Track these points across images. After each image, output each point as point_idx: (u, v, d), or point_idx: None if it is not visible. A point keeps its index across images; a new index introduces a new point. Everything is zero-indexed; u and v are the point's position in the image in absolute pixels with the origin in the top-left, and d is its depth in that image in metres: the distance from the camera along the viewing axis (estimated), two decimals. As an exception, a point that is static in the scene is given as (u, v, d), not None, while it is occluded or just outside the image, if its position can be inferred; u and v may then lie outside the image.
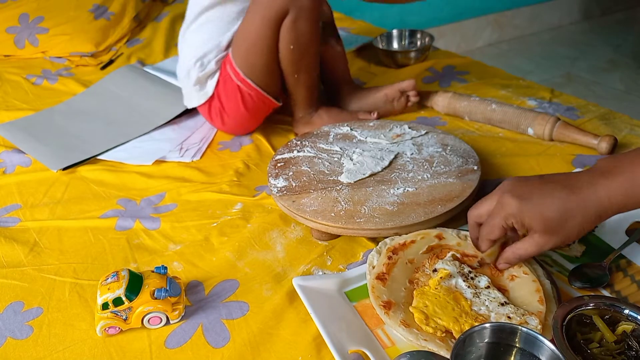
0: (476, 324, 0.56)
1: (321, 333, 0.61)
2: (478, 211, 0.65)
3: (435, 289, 0.63)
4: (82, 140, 1.11)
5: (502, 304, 0.61)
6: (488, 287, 0.63)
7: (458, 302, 0.61)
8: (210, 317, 0.68)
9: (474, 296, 0.62)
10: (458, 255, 0.69)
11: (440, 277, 0.64)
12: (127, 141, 1.11)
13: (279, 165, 0.90)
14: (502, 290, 0.64)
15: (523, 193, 0.59)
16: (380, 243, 0.71)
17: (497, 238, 0.64)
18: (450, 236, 0.72)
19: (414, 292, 0.64)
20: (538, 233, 0.59)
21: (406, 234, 0.73)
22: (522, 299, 0.62)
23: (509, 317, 0.59)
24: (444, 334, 0.58)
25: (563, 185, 0.58)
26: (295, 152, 0.93)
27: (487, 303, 0.61)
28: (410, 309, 0.61)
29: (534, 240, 0.60)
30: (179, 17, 1.78)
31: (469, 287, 0.63)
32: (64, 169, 1.02)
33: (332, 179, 0.85)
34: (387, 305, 0.61)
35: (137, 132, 1.13)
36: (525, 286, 0.63)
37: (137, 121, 1.17)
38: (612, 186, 0.56)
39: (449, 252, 0.69)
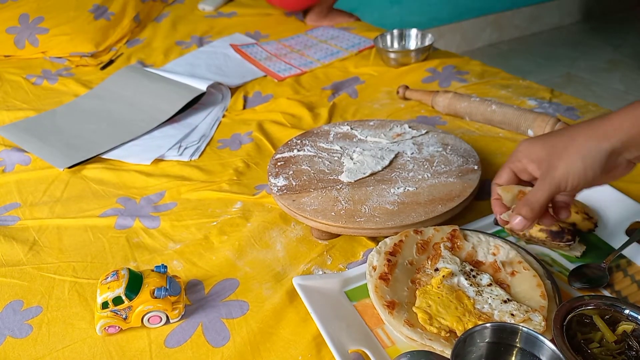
0: (480, 322, 0.56)
1: (321, 332, 0.61)
2: (497, 174, 0.64)
3: (438, 288, 0.63)
4: (85, 139, 1.11)
5: (505, 301, 0.61)
6: (490, 285, 0.63)
7: (461, 300, 0.61)
8: (210, 316, 0.68)
9: (476, 294, 0.62)
10: (449, 245, 0.70)
11: (443, 276, 0.64)
12: (133, 139, 1.11)
13: (279, 164, 0.90)
14: (503, 286, 0.64)
15: (532, 138, 0.60)
16: (380, 243, 0.71)
17: (502, 183, 0.62)
18: (427, 229, 0.72)
19: (417, 291, 0.64)
20: (542, 163, 0.57)
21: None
22: (524, 294, 0.62)
23: (512, 315, 0.59)
24: (448, 334, 0.58)
25: (573, 125, 0.57)
26: (295, 151, 0.93)
27: (489, 301, 0.61)
28: (414, 309, 0.61)
29: (541, 178, 0.57)
30: (179, 17, 1.78)
31: (471, 285, 0.63)
32: (70, 167, 1.02)
33: (332, 178, 0.85)
34: (391, 305, 0.61)
35: (141, 130, 1.13)
36: (526, 281, 0.63)
37: (140, 119, 1.17)
38: (617, 116, 0.54)
39: (440, 245, 0.69)
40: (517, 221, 0.59)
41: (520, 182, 0.63)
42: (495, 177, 0.64)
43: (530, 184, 0.62)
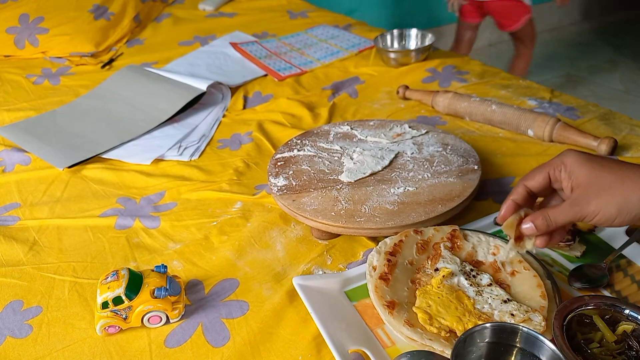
0: (480, 322, 0.56)
1: (321, 332, 0.61)
2: (530, 171, 0.61)
3: (438, 287, 0.63)
4: (86, 139, 1.11)
5: (505, 301, 0.61)
6: (490, 285, 0.63)
7: (461, 300, 0.61)
8: (210, 316, 0.68)
9: (476, 294, 0.62)
10: (449, 245, 0.69)
11: (443, 276, 0.64)
12: (133, 139, 1.11)
13: (279, 164, 0.90)
14: (503, 286, 0.64)
15: (587, 154, 0.56)
16: (380, 243, 0.71)
17: (535, 185, 0.59)
18: (427, 229, 0.72)
19: (417, 291, 0.64)
20: (578, 188, 0.54)
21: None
22: (524, 294, 0.62)
23: (512, 315, 0.59)
24: (448, 334, 0.58)
25: (627, 163, 0.55)
26: (295, 151, 0.93)
27: (489, 301, 0.61)
28: (414, 309, 0.61)
29: (570, 199, 0.55)
30: (179, 18, 1.78)
31: (471, 285, 0.63)
32: (70, 167, 1.02)
33: (332, 178, 0.85)
34: (391, 305, 0.61)
35: (141, 130, 1.13)
36: (527, 281, 0.63)
37: (141, 119, 1.17)
38: None
39: (440, 245, 0.69)
40: (527, 226, 0.58)
41: (549, 187, 0.61)
42: (526, 178, 0.60)
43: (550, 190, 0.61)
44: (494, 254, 0.69)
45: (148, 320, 0.66)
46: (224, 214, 0.87)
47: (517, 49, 2.52)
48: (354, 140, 0.96)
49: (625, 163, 0.55)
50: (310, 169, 0.88)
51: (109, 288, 0.65)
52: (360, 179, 0.84)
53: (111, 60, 1.52)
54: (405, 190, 0.81)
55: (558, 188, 0.61)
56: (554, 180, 0.59)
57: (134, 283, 0.66)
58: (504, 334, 0.51)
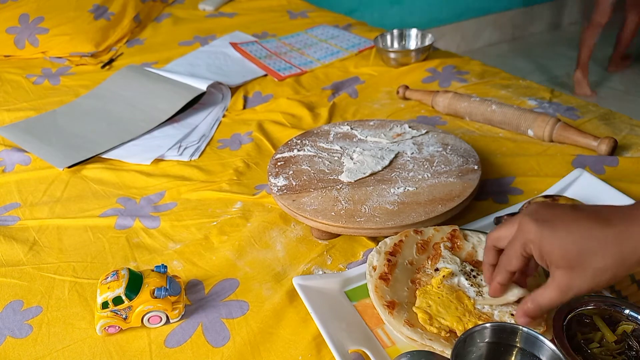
0: (480, 322, 0.56)
1: (321, 332, 0.61)
2: (498, 234, 0.57)
3: (438, 287, 0.63)
4: (86, 139, 1.11)
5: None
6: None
7: (461, 301, 0.61)
8: (210, 316, 0.68)
9: (476, 294, 0.62)
10: (449, 245, 0.69)
11: (443, 276, 0.64)
12: (133, 139, 1.11)
13: (279, 164, 0.90)
14: None
15: (546, 217, 0.51)
16: (380, 243, 0.71)
17: (515, 269, 0.55)
18: (427, 229, 0.72)
19: (417, 291, 0.64)
20: (559, 270, 0.50)
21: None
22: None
23: (512, 315, 0.59)
24: (448, 334, 0.58)
25: (596, 215, 0.49)
26: (295, 151, 0.93)
27: (490, 301, 0.61)
28: (414, 309, 0.61)
29: (555, 282, 0.50)
30: (179, 18, 1.78)
31: (471, 285, 0.63)
32: (70, 167, 1.02)
33: (332, 178, 0.85)
34: (391, 305, 0.61)
35: (141, 130, 1.13)
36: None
37: (140, 119, 1.17)
38: None
39: (440, 245, 0.69)
40: (521, 320, 0.55)
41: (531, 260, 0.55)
42: (506, 263, 0.55)
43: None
44: (494, 254, 0.69)
45: (148, 320, 0.66)
46: (224, 214, 0.87)
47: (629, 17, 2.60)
48: (354, 140, 0.96)
49: (594, 224, 0.49)
50: (310, 169, 0.88)
51: (109, 288, 0.65)
52: (360, 179, 0.84)
53: (111, 60, 1.52)
54: (405, 190, 0.81)
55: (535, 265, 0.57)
56: (529, 257, 0.54)
57: (134, 283, 0.66)
58: (504, 334, 0.52)
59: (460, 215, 0.80)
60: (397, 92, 1.20)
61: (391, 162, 0.88)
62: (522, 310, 0.54)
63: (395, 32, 1.45)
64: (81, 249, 0.82)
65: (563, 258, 0.49)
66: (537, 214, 0.52)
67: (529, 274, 0.59)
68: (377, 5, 2.71)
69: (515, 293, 0.58)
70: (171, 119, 1.17)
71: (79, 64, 1.51)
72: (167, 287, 0.66)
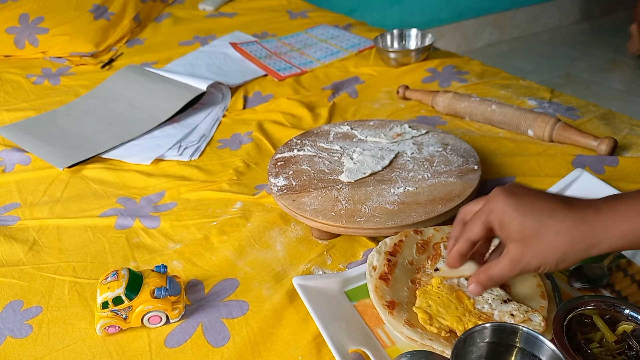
0: (480, 322, 0.56)
1: (321, 332, 0.61)
2: (469, 207, 0.59)
3: (438, 287, 0.63)
4: (86, 139, 1.11)
5: (505, 302, 0.61)
6: None
7: (461, 300, 0.61)
8: (210, 316, 0.68)
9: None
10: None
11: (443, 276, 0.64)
12: (133, 139, 1.11)
13: (279, 164, 0.90)
14: (503, 286, 0.64)
15: (516, 192, 0.53)
16: (380, 243, 0.71)
17: (475, 237, 0.56)
18: (427, 229, 0.72)
19: (417, 291, 0.64)
20: (513, 242, 0.52)
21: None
22: (524, 294, 0.62)
23: (512, 315, 0.59)
24: (448, 334, 0.58)
25: (561, 199, 0.52)
26: (295, 151, 0.93)
27: (490, 301, 0.61)
28: (414, 309, 0.61)
29: (508, 255, 0.53)
30: (179, 18, 1.78)
31: None
32: (70, 167, 1.02)
33: (332, 178, 0.85)
34: (391, 305, 0.61)
35: (141, 130, 1.13)
36: (526, 281, 0.63)
37: (140, 119, 1.17)
38: (615, 208, 0.48)
39: (440, 245, 0.69)
40: (472, 287, 0.58)
41: (492, 233, 0.57)
42: (467, 229, 0.57)
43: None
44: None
45: (148, 320, 0.66)
46: (224, 214, 0.87)
47: None
48: (354, 140, 0.96)
49: (558, 207, 0.51)
50: (310, 169, 0.88)
51: (109, 288, 0.65)
52: (360, 179, 0.84)
53: (111, 60, 1.52)
54: (405, 190, 0.81)
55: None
56: (491, 227, 0.55)
57: (134, 283, 0.66)
58: (503, 334, 0.52)
59: (460, 215, 0.80)
60: (397, 92, 1.20)
61: (391, 162, 0.88)
62: (475, 278, 0.57)
63: (395, 32, 1.45)
64: (81, 249, 0.82)
65: (520, 232, 0.51)
66: (510, 188, 0.54)
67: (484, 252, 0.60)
68: (377, 5, 2.71)
69: (471, 267, 0.59)
70: (171, 119, 1.17)
71: (79, 64, 1.51)
72: (167, 287, 0.66)
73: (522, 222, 0.51)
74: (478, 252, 0.61)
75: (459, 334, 0.57)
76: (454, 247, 0.59)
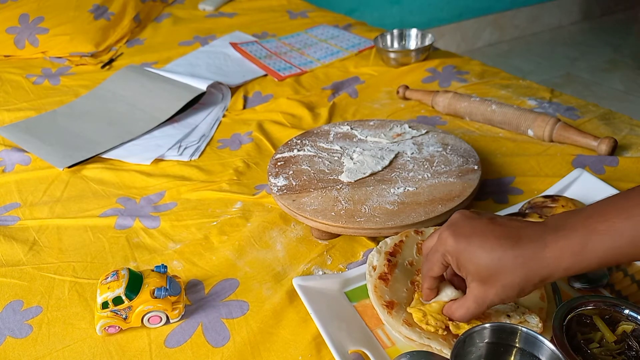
0: (477, 323, 0.56)
1: (321, 333, 0.61)
2: (428, 242, 0.60)
3: (421, 320, 0.62)
4: (86, 139, 1.11)
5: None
6: None
7: None
8: (210, 316, 0.68)
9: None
10: None
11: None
12: (133, 139, 1.11)
13: (279, 164, 0.90)
14: None
15: (464, 231, 0.55)
16: (380, 242, 0.71)
17: (437, 275, 0.59)
18: (427, 230, 0.72)
19: (415, 294, 0.64)
20: (474, 282, 0.54)
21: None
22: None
23: (508, 316, 0.59)
24: (445, 332, 0.58)
25: (509, 234, 0.53)
26: (295, 151, 0.93)
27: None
28: (408, 309, 0.61)
29: (472, 294, 0.55)
30: (179, 18, 1.78)
31: None
32: (70, 167, 1.02)
33: (332, 178, 0.85)
34: (390, 305, 0.61)
35: (141, 130, 1.13)
36: None
37: (140, 119, 1.17)
38: (561, 245, 0.50)
39: None
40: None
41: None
42: (429, 269, 0.58)
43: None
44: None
45: (148, 320, 0.66)
46: (224, 214, 0.87)
47: None
48: (354, 140, 0.96)
49: (508, 240, 0.52)
50: (310, 169, 0.88)
51: (109, 288, 0.65)
52: (360, 179, 0.84)
53: (111, 60, 1.52)
54: (405, 190, 0.81)
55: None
56: (448, 265, 0.57)
57: (134, 283, 0.66)
58: (503, 334, 0.51)
59: (460, 215, 0.80)
60: (397, 92, 1.20)
61: (391, 162, 0.88)
62: (447, 314, 0.59)
63: (395, 32, 1.45)
64: (81, 249, 0.82)
65: (477, 273, 0.53)
66: (456, 227, 0.56)
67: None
68: (377, 5, 2.71)
69: (448, 294, 0.60)
70: (171, 119, 1.17)
71: (79, 64, 1.51)
72: (167, 287, 0.66)
73: (476, 266, 0.53)
74: (453, 273, 0.62)
75: (453, 331, 0.57)
76: (423, 285, 0.61)
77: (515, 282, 0.52)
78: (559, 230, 0.51)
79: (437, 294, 0.61)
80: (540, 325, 0.57)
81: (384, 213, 0.76)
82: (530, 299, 0.61)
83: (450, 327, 0.58)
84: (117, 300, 0.64)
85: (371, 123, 1.01)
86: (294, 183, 0.84)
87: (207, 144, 1.09)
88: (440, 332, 0.58)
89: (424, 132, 0.97)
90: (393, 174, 0.85)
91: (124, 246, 0.82)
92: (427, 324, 0.59)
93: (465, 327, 0.55)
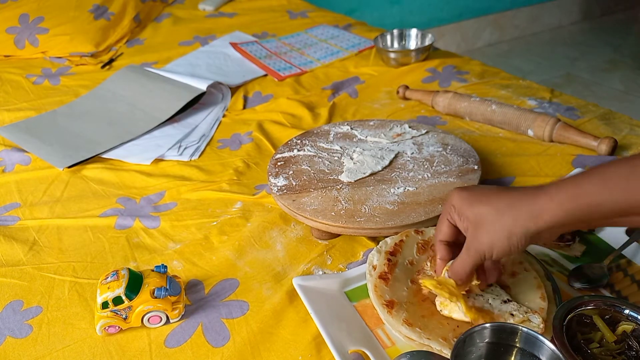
0: (480, 321, 0.56)
1: (321, 333, 0.61)
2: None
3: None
4: (86, 139, 1.11)
5: (505, 301, 0.61)
6: (491, 284, 0.63)
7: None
8: (210, 316, 0.68)
9: (476, 294, 0.62)
10: None
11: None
12: (133, 139, 1.11)
13: (279, 164, 0.90)
14: (503, 286, 0.64)
15: (468, 188, 0.59)
16: (381, 242, 0.71)
17: (444, 237, 0.60)
18: (428, 230, 0.72)
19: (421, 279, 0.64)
20: (469, 230, 0.56)
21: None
22: (524, 295, 0.62)
23: (512, 315, 0.59)
24: (451, 327, 0.58)
25: (509, 189, 0.56)
26: (295, 151, 0.93)
27: (490, 300, 0.61)
28: (420, 281, 0.62)
29: (465, 244, 0.57)
30: (179, 18, 1.78)
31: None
32: (70, 167, 1.02)
33: (332, 178, 0.85)
34: (390, 304, 0.61)
35: (141, 130, 1.13)
36: (527, 283, 0.63)
37: (140, 119, 1.17)
38: (555, 186, 0.52)
39: None
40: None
41: (459, 232, 0.60)
42: (437, 232, 0.62)
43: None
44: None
45: (148, 320, 0.66)
46: (224, 214, 0.87)
47: None
48: (354, 140, 0.96)
49: (505, 191, 0.56)
50: (310, 169, 0.88)
51: (109, 288, 0.65)
52: (360, 179, 0.84)
53: (111, 60, 1.52)
54: (405, 190, 0.81)
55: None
56: (454, 224, 0.60)
57: (134, 283, 0.66)
58: (503, 334, 0.52)
59: (460, 215, 0.80)
60: (397, 92, 1.20)
61: (391, 162, 0.88)
62: (452, 276, 0.60)
63: (395, 32, 1.45)
64: (81, 249, 0.82)
65: (473, 219, 0.56)
66: (462, 188, 0.59)
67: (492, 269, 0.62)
68: (377, 5, 2.71)
69: (461, 315, 0.60)
70: (171, 119, 1.17)
71: (79, 64, 1.51)
72: (167, 287, 0.66)
73: (473, 209, 0.56)
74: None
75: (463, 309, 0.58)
76: (437, 258, 0.62)
77: (503, 222, 0.53)
78: (549, 191, 0.53)
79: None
80: (542, 325, 0.57)
81: (384, 213, 0.76)
82: (531, 299, 0.61)
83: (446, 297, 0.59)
84: (117, 300, 0.64)
85: (371, 123, 1.01)
86: (294, 183, 0.84)
87: (207, 144, 1.09)
88: (453, 299, 0.59)
89: (424, 132, 0.96)
90: (393, 174, 0.85)
91: (124, 246, 0.82)
92: (442, 290, 0.59)
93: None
